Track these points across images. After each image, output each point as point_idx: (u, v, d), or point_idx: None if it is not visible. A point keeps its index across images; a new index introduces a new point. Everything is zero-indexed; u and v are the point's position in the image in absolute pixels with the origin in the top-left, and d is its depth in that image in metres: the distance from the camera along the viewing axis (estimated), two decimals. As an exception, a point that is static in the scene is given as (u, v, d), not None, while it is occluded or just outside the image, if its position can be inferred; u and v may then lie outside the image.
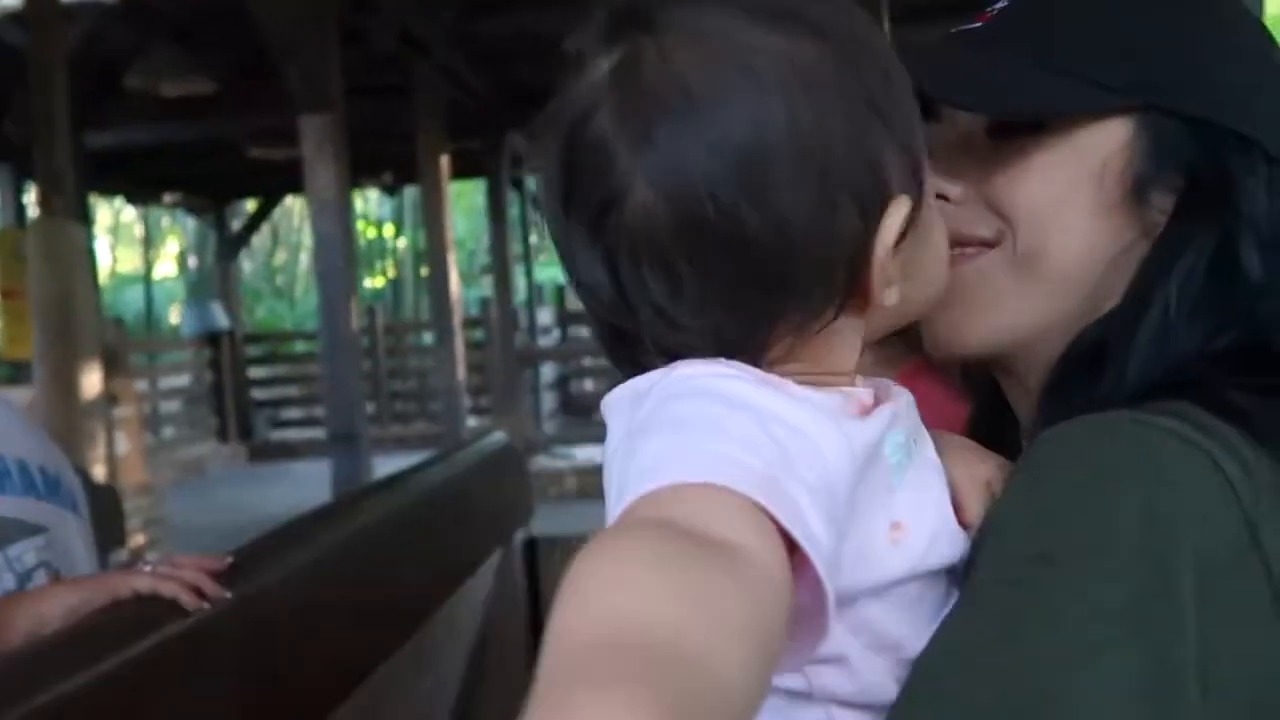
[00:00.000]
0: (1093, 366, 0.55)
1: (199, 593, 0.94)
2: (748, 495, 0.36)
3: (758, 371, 0.44)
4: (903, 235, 0.46)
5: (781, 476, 0.38)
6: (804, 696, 0.47)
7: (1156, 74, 0.57)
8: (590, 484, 6.42)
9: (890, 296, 0.47)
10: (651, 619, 0.30)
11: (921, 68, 0.53)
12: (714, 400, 0.41)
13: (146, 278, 15.62)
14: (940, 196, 0.59)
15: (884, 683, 0.47)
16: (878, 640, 0.47)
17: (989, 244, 0.59)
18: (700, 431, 0.39)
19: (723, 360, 0.44)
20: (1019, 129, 0.58)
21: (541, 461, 7.05)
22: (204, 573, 0.96)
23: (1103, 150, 0.57)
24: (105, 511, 2.43)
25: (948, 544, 0.49)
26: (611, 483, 0.42)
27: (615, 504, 0.39)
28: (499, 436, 1.98)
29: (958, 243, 0.59)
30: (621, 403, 0.45)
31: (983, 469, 0.54)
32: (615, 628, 0.30)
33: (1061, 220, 0.57)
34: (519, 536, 1.93)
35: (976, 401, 0.68)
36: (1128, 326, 0.55)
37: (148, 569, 0.96)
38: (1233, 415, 0.48)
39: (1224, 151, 0.56)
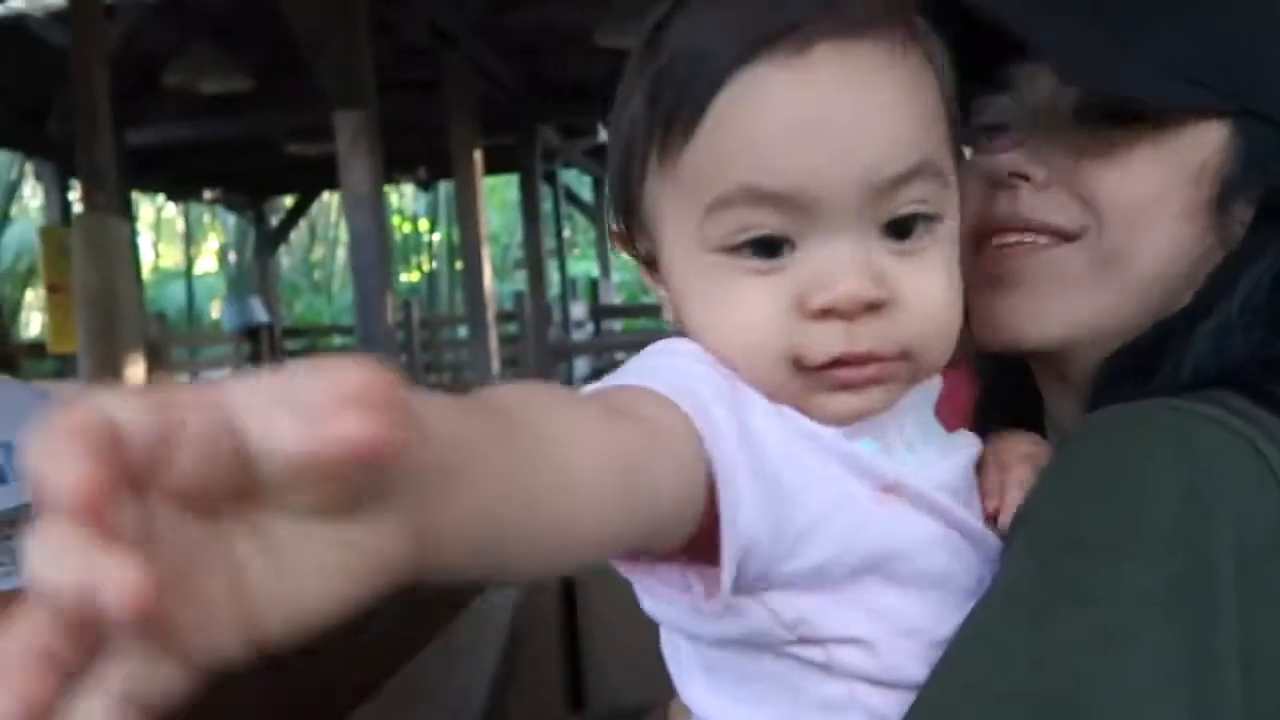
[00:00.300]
0: (1147, 365, 0.53)
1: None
2: (665, 394, 0.41)
3: None
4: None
5: (699, 393, 0.42)
6: (824, 669, 0.47)
7: (1255, 77, 0.55)
8: (624, 477, 6.43)
9: (666, 313, 0.51)
10: (534, 402, 0.35)
11: (1025, 28, 0.51)
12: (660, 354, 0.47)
13: (188, 273, 15.90)
14: (1018, 176, 0.56)
15: (910, 665, 0.47)
16: (897, 624, 0.47)
17: (1065, 235, 0.56)
18: (645, 367, 0.46)
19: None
20: (1114, 118, 0.55)
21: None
22: None
23: (1202, 152, 0.55)
24: (146, 503, 2.47)
25: (960, 513, 0.48)
26: None
27: None
28: (531, 429, 1.98)
29: (1028, 229, 0.56)
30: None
31: (1018, 457, 0.53)
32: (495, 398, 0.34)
33: (1153, 220, 0.55)
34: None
35: (993, 386, 0.65)
36: (1188, 329, 0.53)
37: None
38: (1275, 404, 0.47)
39: None
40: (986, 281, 0.57)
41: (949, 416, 0.52)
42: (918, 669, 0.46)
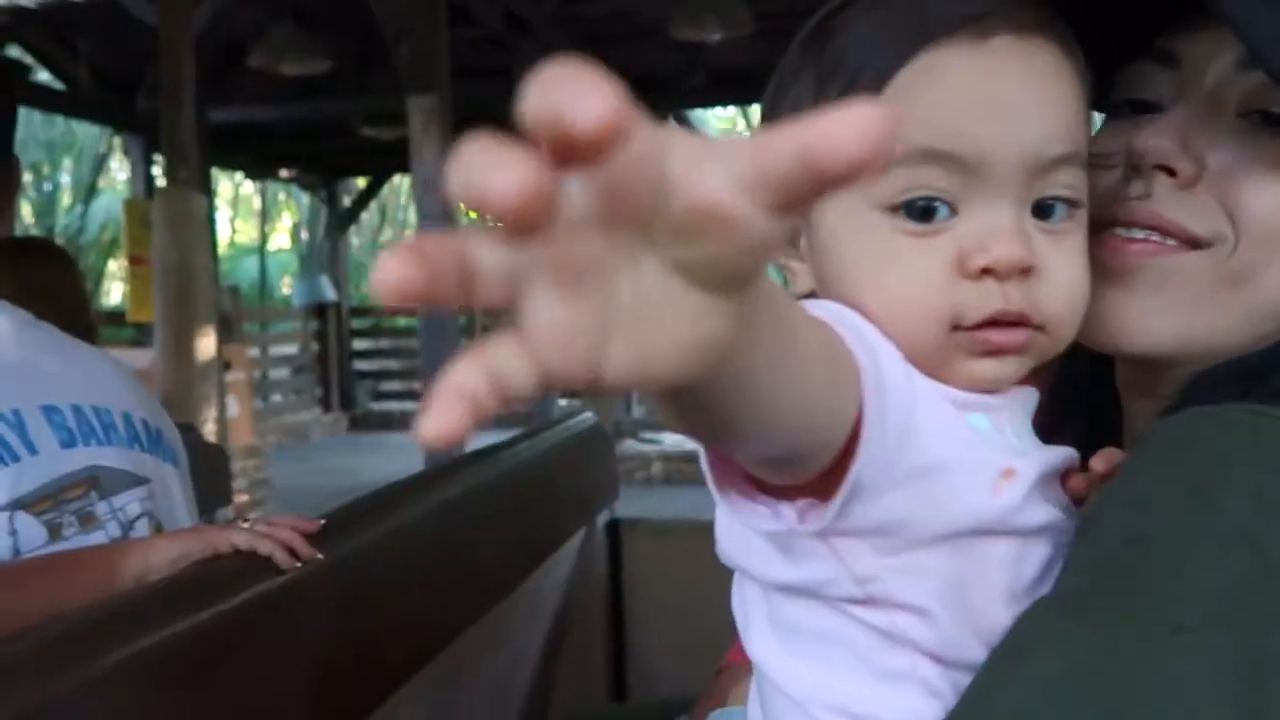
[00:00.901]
0: (1245, 379, 0.51)
1: (292, 552, 0.98)
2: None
3: None
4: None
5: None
6: (886, 636, 0.48)
7: None
8: (676, 470, 6.43)
9: (794, 286, 0.53)
10: None
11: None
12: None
13: (262, 249, 16.28)
14: (1164, 169, 0.53)
15: (970, 644, 0.47)
16: (962, 600, 0.47)
17: (1197, 242, 0.53)
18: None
19: None
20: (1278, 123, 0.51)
21: (629, 445, 7.09)
22: (298, 533, 0.99)
23: None
24: (213, 470, 2.55)
25: (1044, 509, 0.49)
26: None
27: None
28: (588, 417, 1.99)
29: (1160, 229, 0.53)
30: None
31: (1099, 459, 0.52)
32: None
33: None
34: (603, 517, 1.94)
35: (1062, 388, 0.63)
36: None
37: (245, 526, 1.00)
38: None
39: None
40: (1101, 273, 0.55)
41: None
42: (977, 650, 0.46)
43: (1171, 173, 0.53)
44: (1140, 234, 0.54)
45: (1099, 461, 0.52)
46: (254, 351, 8.27)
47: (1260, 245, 0.52)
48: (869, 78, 0.49)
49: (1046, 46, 0.50)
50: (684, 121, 9.46)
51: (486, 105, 7.04)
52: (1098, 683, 0.41)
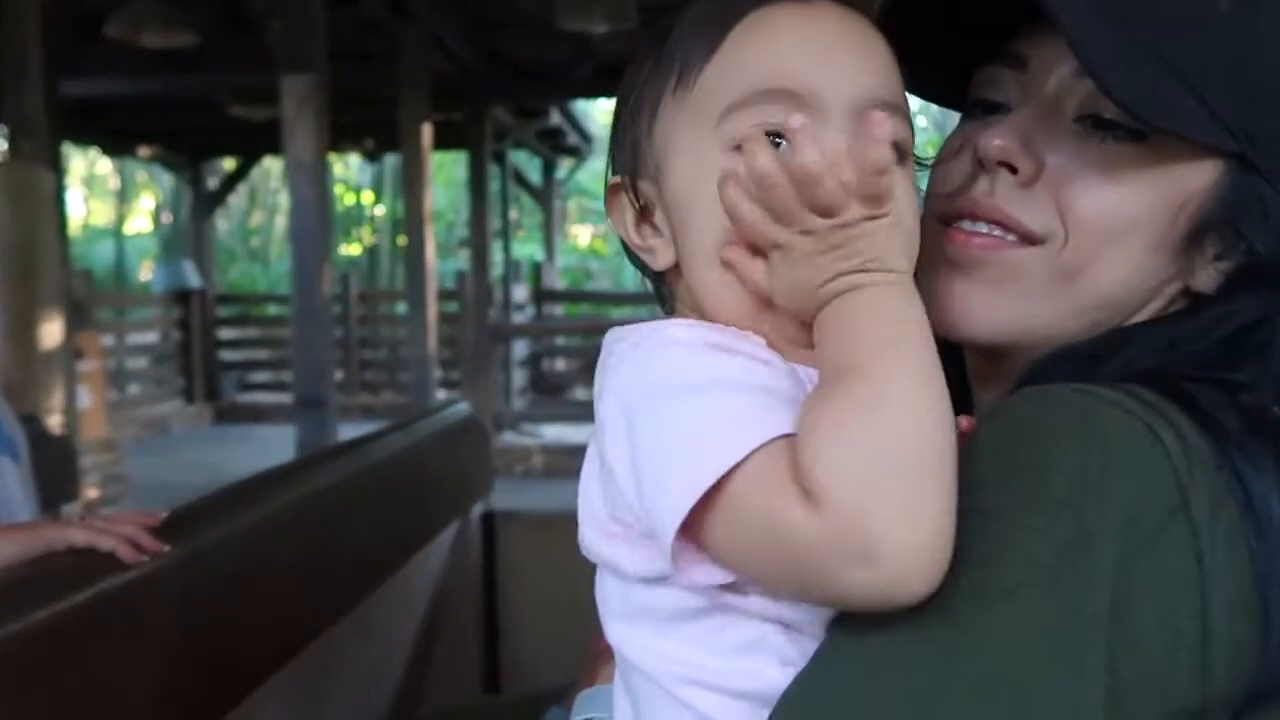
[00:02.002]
0: (1080, 364, 0.54)
1: (138, 547, 0.93)
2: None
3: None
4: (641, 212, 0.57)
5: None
6: (742, 613, 0.50)
7: (1258, 125, 0.54)
8: (557, 463, 6.41)
9: (656, 262, 0.57)
10: None
11: (1068, 21, 0.50)
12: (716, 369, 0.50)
13: (118, 231, 15.39)
14: (1006, 166, 0.56)
15: (818, 611, 0.49)
16: None
17: (1032, 239, 0.56)
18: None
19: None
20: (1114, 128, 0.54)
21: (509, 438, 7.03)
22: (141, 527, 0.94)
23: (1191, 185, 0.54)
24: (59, 464, 2.40)
25: None
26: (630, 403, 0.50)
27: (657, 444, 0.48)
28: (462, 407, 1.97)
29: (998, 223, 0.56)
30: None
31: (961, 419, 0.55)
32: None
33: (1122, 245, 0.55)
34: (477, 509, 1.92)
35: None
36: (1129, 341, 0.54)
37: (84, 522, 0.95)
38: (1179, 397, 0.49)
39: None
40: (948, 265, 0.58)
41: None
42: (825, 616, 0.49)
43: (1013, 170, 0.55)
44: (984, 228, 0.57)
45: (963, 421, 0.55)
46: (109, 339, 7.82)
47: (1088, 242, 0.55)
48: (710, 37, 0.54)
49: (864, 20, 0.55)
50: (569, 113, 9.45)
51: (365, 88, 6.84)
52: (935, 648, 0.44)
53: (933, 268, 0.58)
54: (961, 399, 0.64)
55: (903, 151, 0.53)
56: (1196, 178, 0.54)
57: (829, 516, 0.43)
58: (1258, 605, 0.46)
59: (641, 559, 0.51)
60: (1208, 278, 0.56)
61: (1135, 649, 0.44)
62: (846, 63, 0.52)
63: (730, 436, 0.45)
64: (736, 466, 0.45)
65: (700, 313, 0.55)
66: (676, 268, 0.57)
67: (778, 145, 0.51)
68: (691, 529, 0.46)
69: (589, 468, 0.55)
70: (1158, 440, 0.46)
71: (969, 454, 0.49)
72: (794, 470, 0.44)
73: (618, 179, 0.58)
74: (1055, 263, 0.55)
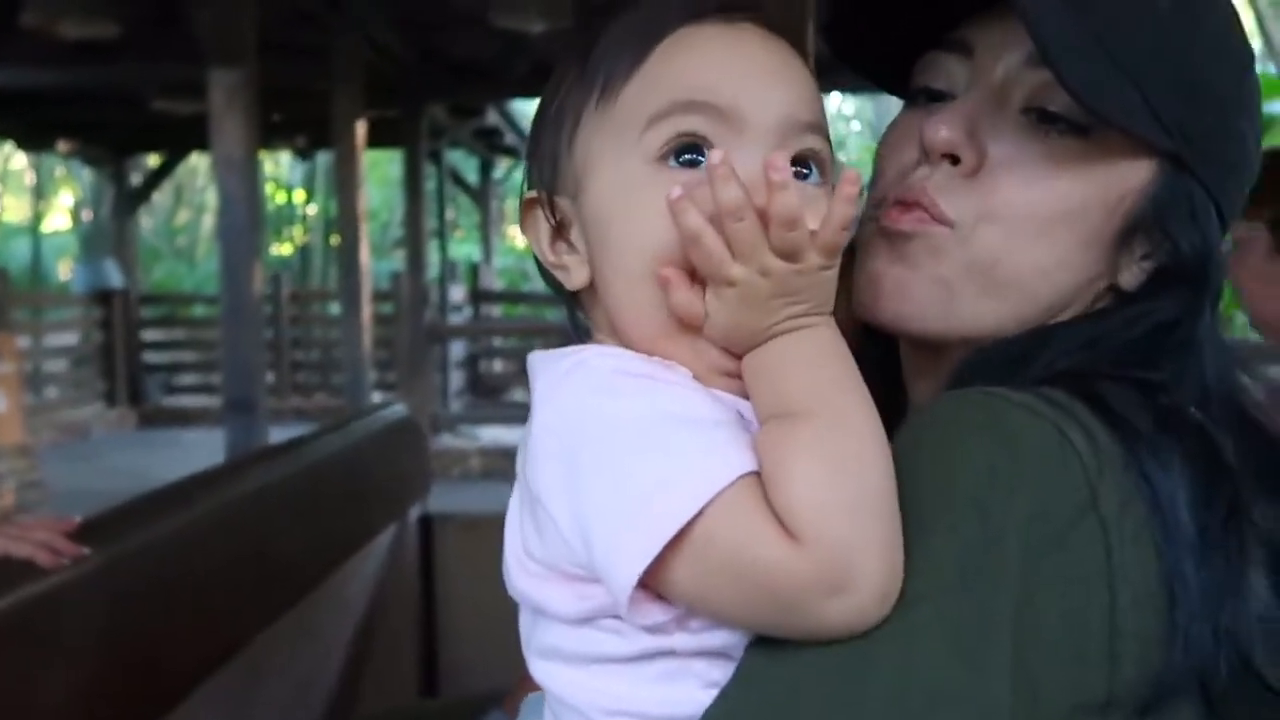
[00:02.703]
0: (1007, 364, 0.55)
1: (55, 552, 0.90)
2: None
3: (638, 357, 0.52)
4: (556, 229, 0.56)
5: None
6: (666, 649, 0.49)
7: (1194, 127, 0.54)
8: (494, 464, 6.36)
9: (570, 280, 0.55)
10: None
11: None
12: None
13: (35, 229, 14.83)
14: (949, 157, 0.55)
15: (739, 635, 0.49)
16: None
17: (943, 221, 0.56)
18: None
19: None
20: (1057, 120, 0.54)
21: (446, 440, 6.95)
22: (57, 533, 0.91)
23: (1128, 183, 0.55)
24: (-29, 470, 2.30)
25: None
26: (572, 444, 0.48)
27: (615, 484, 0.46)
28: (398, 409, 1.94)
29: (924, 207, 0.56)
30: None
31: None
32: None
33: (1051, 237, 0.55)
34: (414, 512, 1.89)
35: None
36: (1054, 339, 0.55)
37: (-6, 531, 0.91)
38: (1091, 399, 0.49)
39: (1216, 236, 0.56)
40: (877, 247, 0.58)
41: None
42: (745, 637, 0.49)
43: (956, 161, 0.55)
44: (915, 211, 0.57)
45: None
46: (25, 341, 7.53)
47: (1019, 235, 0.55)
48: (633, 53, 0.53)
49: (785, 43, 0.55)
50: (507, 112, 9.38)
51: (297, 84, 6.71)
52: (851, 660, 0.45)
53: (868, 253, 0.59)
54: (894, 394, 0.65)
55: (822, 170, 0.54)
56: (1133, 175, 0.55)
57: (813, 553, 0.44)
58: (1164, 603, 0.46)
59: (574, 600, 0.50)
60: (1132, 276, 0.57)
61: (1044, 643, 0.45)
62: (769, 81, 0.52)
63: (693, 478, 0.45)
64: (703, 509, 0.44)
65: (616, 336, 0.54)
66: (591, 287, 0.55)
67: (698, 162, 0.50)
68: (649, 571, 0.45)
69: (516, 505, 0.53)
70: (1067, 441, 0.47)
71: None
72: (768, 508, 0.44)
73: (534, 193, 0.57)
74: (968, 247, 0.55)
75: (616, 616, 0.49)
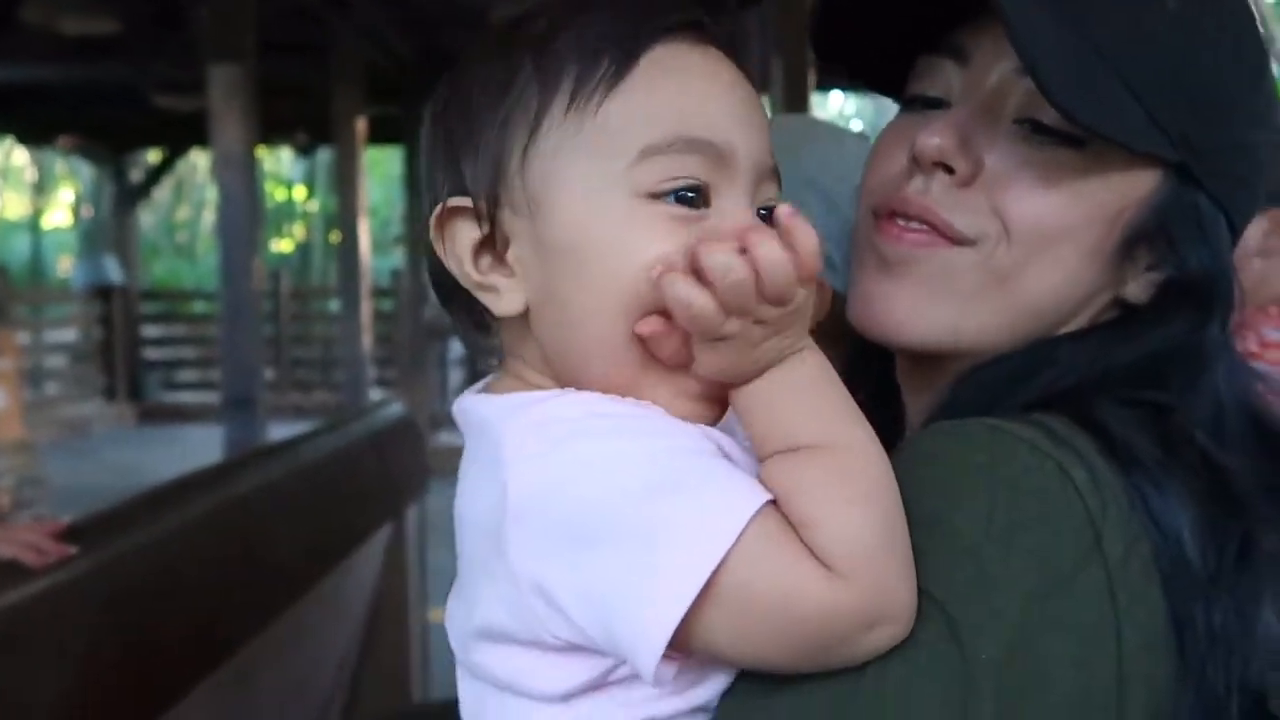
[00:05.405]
0: (1009, 381, 0.53)
1: (42, 553, 0.89)
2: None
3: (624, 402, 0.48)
4: (485, 244, 0.50)
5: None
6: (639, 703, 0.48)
7: (1200, 139, 0.53)
8: (494, 463, 6.34)
9: (500, 305, 0.50)
10: None
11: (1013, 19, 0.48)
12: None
13: (35, 225, 14.83)
14: (942, 166, 0.54)
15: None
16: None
17: (962, 240, 0.54)
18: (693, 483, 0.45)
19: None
20: (1054, 132, 0.53)
21: (446, 437, 6.95)
22: (43, 534, 0.90)
23: (1129, 195, 0.53)
24: (-31, 467, 2.29)
25: None
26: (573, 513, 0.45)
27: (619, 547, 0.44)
28: (396, 407, 1.93)
29: (930, 224, 0.54)
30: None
31: None
32: None
33: (1057, 251, 0.53)
34: (413, 512, 1.89)
35: (854, 385, 0.66)
36: (1056, 355, 0.53)
37: (-18, 532, 0.91)
38: (1093, 427, 0.48)
39: (1226, 249, 0.54)
40: (876, 259, 0.56)
41: None
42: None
43: (950, 170, 0.54)
44: (915, 225, 0.55)
45: None
46: (25, 337, 7.52)
47: (1022, 248, 0.53)
48: (607, 71, 0.48)
49: (744, 72, 0.52)
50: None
51: (297, 80, 6.70)
52: (837, 700, 0.44)
53: (862, 265, 0.58)
54: (888, 402, 0.64)
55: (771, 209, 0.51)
56: (1134, 186, 0.54)
57: (855, 586, 0.43)
58: (1174, 645, 0.45)
59: (557, 676, 0.47)
60: (1138, 288, 0.55)
61: (1049, 690, 0.44)
62: (753, 121, 0.50)
63: (713, 520, 0.43)
64: (728, 553, 0.42)
65: (553, 368, 0.50)
66: (523, 316, 0.50)
67: (691, 198, 0.48)
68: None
69: (475, 587, 0.49)
70: (1069, 481, 0.46)
71: None
72: (796, 541, 0.43)
73: (461, 201, 0.50)
74: (986, 266, 0.54)
75: (603, 687, 0.47)
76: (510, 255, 0.50)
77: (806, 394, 0.47)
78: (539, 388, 0.50)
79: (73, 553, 0.91)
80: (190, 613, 1.10)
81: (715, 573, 0.42)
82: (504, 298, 0.50)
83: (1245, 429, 0.51)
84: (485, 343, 0.53)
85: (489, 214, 0.50)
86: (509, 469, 0.46)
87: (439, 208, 0.51)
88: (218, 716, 1.21)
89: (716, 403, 0.49)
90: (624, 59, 0.49)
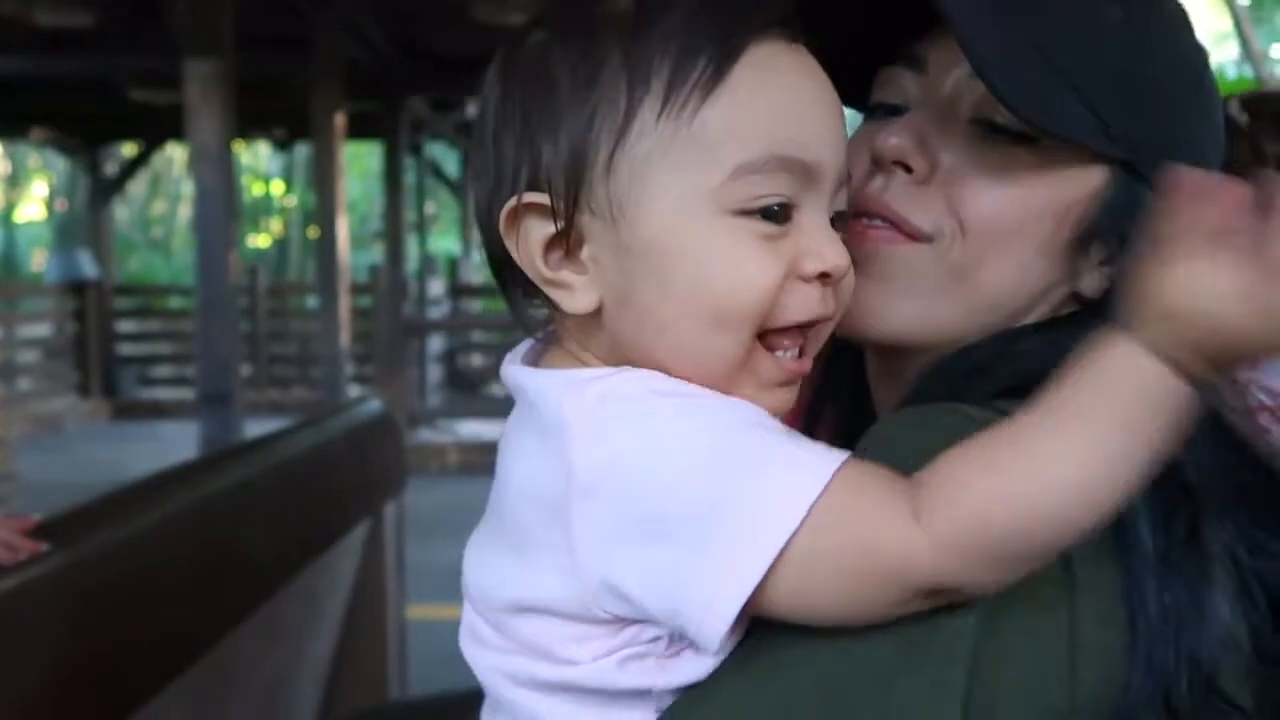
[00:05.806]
0: (970, 372, 0.55)
1: (13, 549, 0.88)
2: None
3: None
4: (557, 240, 0.49)
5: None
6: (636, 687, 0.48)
7: (1149, 133, 0.54)
8: (472, 459, 6.33)
9: (571, 302, 0.49)
10: None
11: (960, 23, 0.50)
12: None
13: (8, 218, 14.64)
14: (901, 165, 0.56)
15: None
16: None
17: (919, 236, 0.56)
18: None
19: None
20: (1005, 130, 0.55)
21: (424, 434, 6.92)
22: (15, 530, 0.90)
23: (1078, 190, 0.55)
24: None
25: None
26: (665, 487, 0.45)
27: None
28: (375, 404, 1.93)
29: (889, 220, 0.56)
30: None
31: None
32: None
33: (1010, 246, 0.55)
34: (390, 509, 1.88)
35: (831, 378, 0.67)
36: (1018, 345, 0.55)
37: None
38: None
39: None
40: None
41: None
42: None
43: (908, 169, 0.56)
44: (879, 223, 0.57)
45: None
46: (-4, 331, 7.44)
47: (977, 243, 0.55)
48: (704, 74, 0.47)
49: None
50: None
51: (275, 75, 6.63)
52: (811, 673, 0.45)
53: None
54: (861, 397, 0.66)
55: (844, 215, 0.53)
56: (1083, 183, 0.55)
57: (937, 546, 0.43)
58: (1126, 620, 0.46)
59: (599, 646, 0.47)
60: (1093, 282, 0.57)
61: (1003, 655, 0.45)
62: (838, 131, 0.51)
63: (795, 477, 0.43)
64: (805, 517, 0.43)
65: (626, 358, 0.50)
66: (596, 313, 0.50)
67: (776, 213, 0.48)
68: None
69: (520, 553, 0.49)
70: None
71: None
72: (878, 501, 0.44)
73: (537, 198, 0.49)
74: (945, 262, 0.56)
75: (643, 656, 0.48)
76: (584, 254, 0.50)
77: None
78: (593, 365, 0.51)
79: (45, 549, 0.90)
80: (164, 610, 1.09)
81: (786, 544, 0.43)
82: (576, 295, 0.50)
83: (1202, 420, 0.52)
84: (534, 312, 0.53)
85: (566, 214, 0.49)
86: (575, 445, 0.46)
87: (513, 201, 0.50)
88: (193, 715, 1.21)
89: (792, 391, 0.50)
90: (722, 60, 0.47)
